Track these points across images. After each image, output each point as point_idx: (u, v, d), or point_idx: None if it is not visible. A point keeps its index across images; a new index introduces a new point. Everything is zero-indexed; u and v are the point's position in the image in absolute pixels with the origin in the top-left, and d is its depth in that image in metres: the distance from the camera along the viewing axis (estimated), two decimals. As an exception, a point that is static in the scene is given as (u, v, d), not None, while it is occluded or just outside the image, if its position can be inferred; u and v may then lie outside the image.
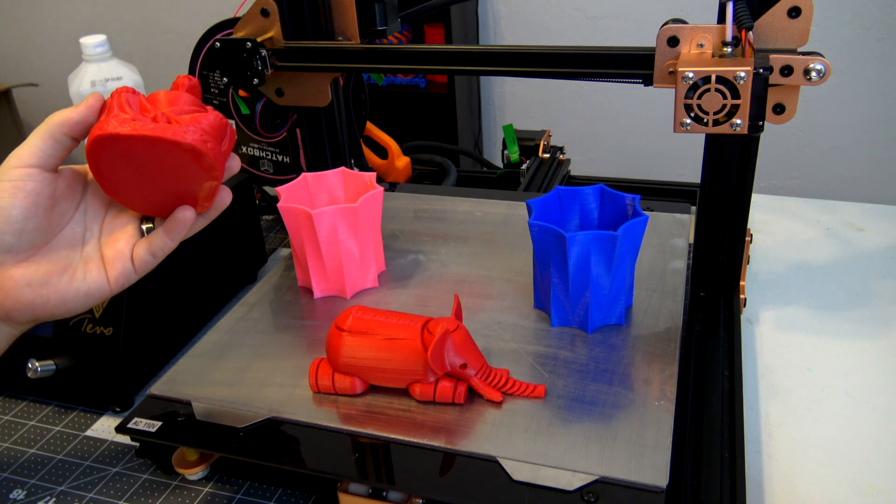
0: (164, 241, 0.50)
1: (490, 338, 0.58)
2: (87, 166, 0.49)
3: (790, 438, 0.56)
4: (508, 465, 0.47)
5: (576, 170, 1.00)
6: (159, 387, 0.56)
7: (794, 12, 0.53)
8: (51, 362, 0.62)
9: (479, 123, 2.17)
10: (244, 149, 0.89)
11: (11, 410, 0.64)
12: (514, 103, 2.15)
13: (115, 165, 0.47)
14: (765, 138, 0.60)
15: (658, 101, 1.87)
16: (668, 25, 0.55)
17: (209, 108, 0.50)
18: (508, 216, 0.77)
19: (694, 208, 0.69)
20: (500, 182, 0.96)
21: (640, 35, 1.88)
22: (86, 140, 0.47)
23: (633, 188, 0.89)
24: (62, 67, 2.46)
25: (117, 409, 0.63)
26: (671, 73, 0.56)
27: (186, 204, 0.50)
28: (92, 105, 0.47)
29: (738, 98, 0.51)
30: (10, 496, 0.55)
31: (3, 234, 0.46)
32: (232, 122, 0.88)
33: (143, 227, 0.51)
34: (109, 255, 0.50)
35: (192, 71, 0.87)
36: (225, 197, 0.51)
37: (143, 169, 0.47)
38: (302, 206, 0.61)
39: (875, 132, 1.84)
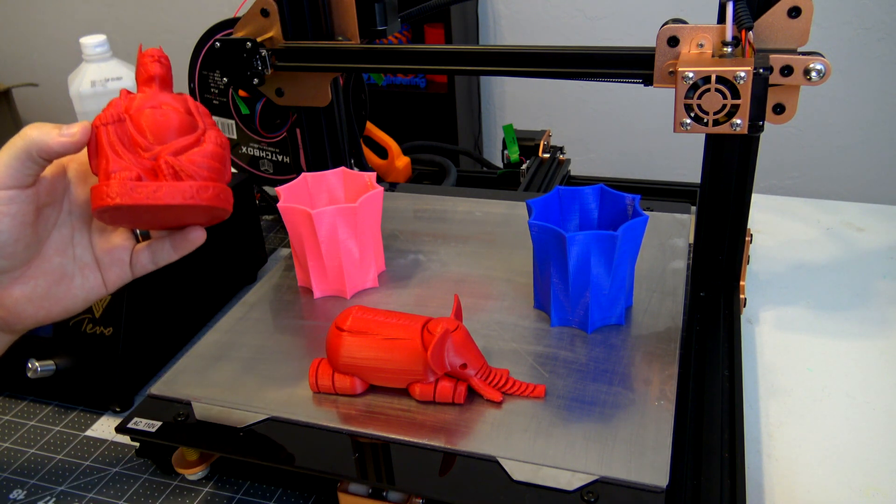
0: (169, 254, 0.50)
1: (490, 338, 0.58)
2: (64, 160, 0.48)
3: (790, 438, 0.56)
4: (508, 465, 0.46)
5: (576, 170, 1.00)
6: (159, 387, 0.56)
7: (794, 12, 0.53)
8: (51, 362, 0.62)
9: (479, 123, 2.17)
10: (244, 149, 0.89)
11: (11, 410, 0.64)
12: (514, 103, 2.15)
13: (121, 217, 0.48)
14: (765, 138, 0.60)
15: (658, 101, 1.87)
16: (668, 25, 0.55)
17: (196, 117, 0.49)
18: (508, 216, 0.77)
19: (694, 208, 0.69)
20: (500, 182, 0.96)
21: (640, 35, 1.88)
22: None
23: (633, 188, 0.89)
24: (62, 67, 2.45)
25: (117, 409, 0.63)
26: (671, 73, 0.56)
27: (192, 225, 0.50)
28: (78, 141, 0.45)
29: (738, 98, 0.51)
30: (10, 496, 0.55)
31: None
32: (232, 121, 0.88)
33: (138, 230, 0.51)
34: (106, 259, 0.50)
35: (191, 71, 0.87)
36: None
37: (150, 215, 0.48)
38: (302, 206, 0.61)
39: (875, 132, 1.84)
